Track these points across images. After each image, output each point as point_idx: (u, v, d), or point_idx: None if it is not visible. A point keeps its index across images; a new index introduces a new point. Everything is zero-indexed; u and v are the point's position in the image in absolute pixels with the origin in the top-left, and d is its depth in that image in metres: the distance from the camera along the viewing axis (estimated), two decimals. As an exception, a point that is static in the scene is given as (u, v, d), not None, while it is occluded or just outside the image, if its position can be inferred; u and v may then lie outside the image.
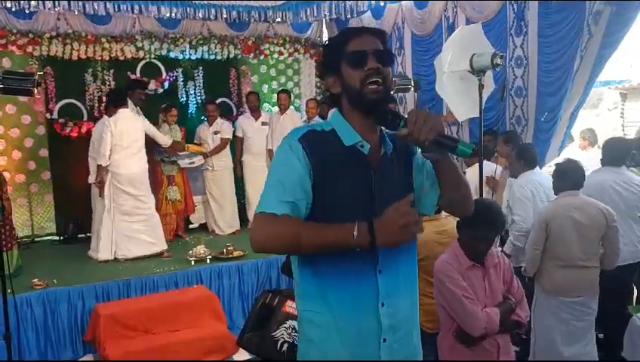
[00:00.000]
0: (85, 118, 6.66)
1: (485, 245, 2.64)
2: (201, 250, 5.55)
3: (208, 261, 5.47)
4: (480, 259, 2.66)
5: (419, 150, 1.71)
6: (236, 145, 7.05)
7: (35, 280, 4.78)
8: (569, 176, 3.65)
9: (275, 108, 7.49)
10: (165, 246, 5.83)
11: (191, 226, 7.14)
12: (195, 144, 6.82)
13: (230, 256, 5.56)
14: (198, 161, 6.68)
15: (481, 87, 3.75)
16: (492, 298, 2.68)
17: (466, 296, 2.56)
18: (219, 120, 6.95)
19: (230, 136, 6.93)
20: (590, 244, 3.53)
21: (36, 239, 6.81)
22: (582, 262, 3.53)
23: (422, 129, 1.46)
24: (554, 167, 4.82)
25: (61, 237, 6.68)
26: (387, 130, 1.71)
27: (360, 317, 1.62)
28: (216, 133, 6.83)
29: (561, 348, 3.55)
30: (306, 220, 1.59)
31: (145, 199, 5.74)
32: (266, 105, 7.99)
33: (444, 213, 3.24)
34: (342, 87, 1.66)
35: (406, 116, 1.51)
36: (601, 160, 4.29)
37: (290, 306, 3.12)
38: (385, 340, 1.64)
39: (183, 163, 6.57)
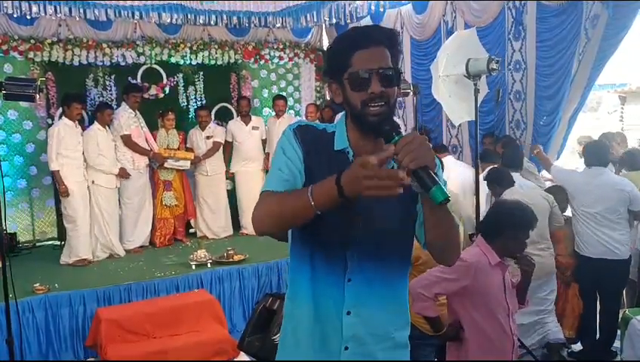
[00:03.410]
0: (87, 123, 6.68)
1: (523, 246, 2.72)
2: (201, 254, 5.57)
3: (209, 265, 5.49)
4: (512, 256, 2.76)
5: None
6: (225, 151, 7.07)
7: (37, 284, 4.80)
8: (504, 181, 4.27)
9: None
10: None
11: (191, 231, 7.15)
12: (187, 148, 6.84)
13: (231, 259, 5.57)
14: (185, 164, 6.69)
15: (476, 91, 3.78)
16: (511, 297, 2.72)
17: (442, 280, 2.64)
18: (211, 125, 6.99)
19: (222, 140, 6.96)
20: (543, 227, 4.03)
21: (38, 244, 6.83)
22: (539, 245, 4.04)
23: (408, 154, 1.32)
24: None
25: (62, 242, 6.68)
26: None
27: (321, 321, 1.61)
28: (208, 137, 6.86)
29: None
30: None
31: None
32: (266, 109, 8.02)
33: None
34: (343, 99, 1.59)
35: (400, 135, 1.41)
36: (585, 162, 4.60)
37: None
38: (347, 348, 1.60)
39: (170, 163, 6.57)
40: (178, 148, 6.70)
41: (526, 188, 4.37)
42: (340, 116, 1.65)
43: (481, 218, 3.96)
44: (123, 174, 6.17)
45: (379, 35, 1.54)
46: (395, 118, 2.06)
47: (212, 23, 7.26)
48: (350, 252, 1.58)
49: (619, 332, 4.17)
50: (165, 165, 6.55)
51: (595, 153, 4.41)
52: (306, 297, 1.63)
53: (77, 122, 5.89)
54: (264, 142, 7.23)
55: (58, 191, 5.81)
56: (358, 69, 1.51)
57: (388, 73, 1.51)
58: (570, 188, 4.49)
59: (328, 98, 8.44)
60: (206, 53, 7.51)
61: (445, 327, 2.72)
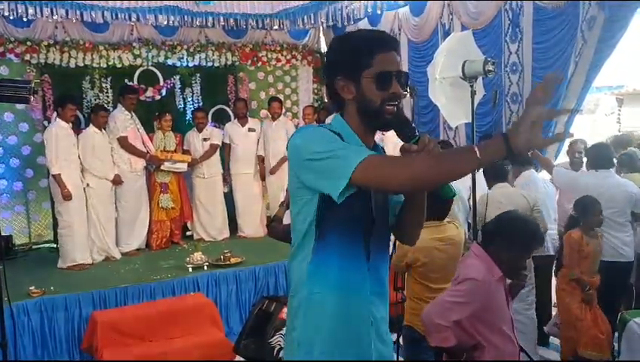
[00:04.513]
0: (83, 125, 6.67)
1: (525, 265, 2.66)
2: (198, 256, 5.54)
3: (205, 268, 5.46)
4: (515, 275, 2.64)
5: None
6: (224, 153, 7.05)
7: (32, 287, 4.77)
8: (499, 175, 4.29)
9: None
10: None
11: (188, 233, 7.13)
12: (184, 151, 6.82)
13: (227, 262, 5.55)
14: (182, 167, 6.67)
15: (473, 93, 3.78)
16: (509, 313, 2.65)
17: (456, 304, 2.50)
18: (208, 127, 6.99)
19: (219, 142, 6.93)
20: None
21: (34, 247, 6.80)
22: None
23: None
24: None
25: (58, 245, 6.67)
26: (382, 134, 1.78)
27: (352, 312, 1.68)
28: (205, 139, 6.83)
29: None
30: (317, 208, 1.63)
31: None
32: (263, 111, 8.01)
33: (445, 219, 3.26)
34: (356, 96, 1.66)
35: (418, 135, 1.60)
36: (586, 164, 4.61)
37: (286, 313, 3.12)
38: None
39: (167, 166, 6.54)
40: (175, 151, 6.68)
41: (505, 188, 4.30)
42: (333, 117, 1.67)
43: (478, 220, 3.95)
44: (117, 181, 6.11)
45: (394, 41, 1.71)
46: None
47: (209, 24, 7.25)
48: (372, 240, 1.70)
49: (616, 334, 4.16)
50: (162, 167, 6.52)
51: (601, 155, 4.38)
52: (334, 290, 1.66)
53: (71, 124, 5.85)
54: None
55: (57, 195, 5.69)
56: (383, 70, 1.62)
57: (403, 76, 1.67)
58: (578, 191, 4.31)
59: (326, 99, 8.43)
60: (203, 55, 7.51)
61: (465, 354, 2.58)
